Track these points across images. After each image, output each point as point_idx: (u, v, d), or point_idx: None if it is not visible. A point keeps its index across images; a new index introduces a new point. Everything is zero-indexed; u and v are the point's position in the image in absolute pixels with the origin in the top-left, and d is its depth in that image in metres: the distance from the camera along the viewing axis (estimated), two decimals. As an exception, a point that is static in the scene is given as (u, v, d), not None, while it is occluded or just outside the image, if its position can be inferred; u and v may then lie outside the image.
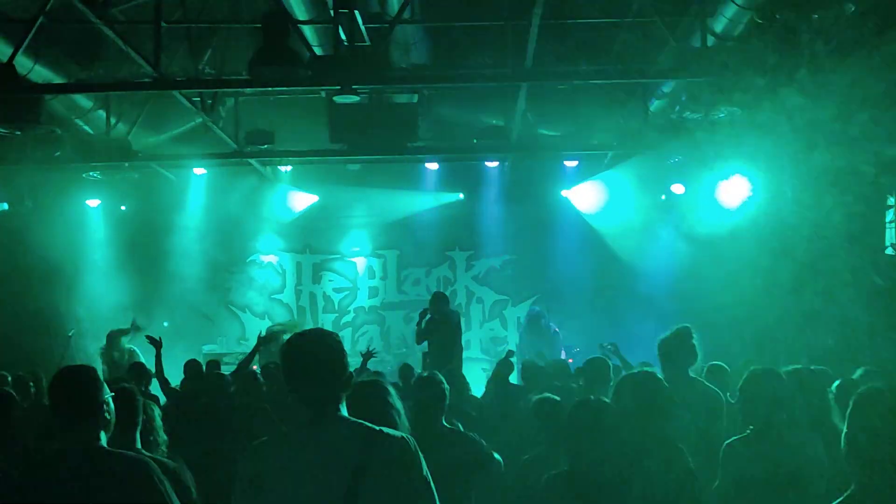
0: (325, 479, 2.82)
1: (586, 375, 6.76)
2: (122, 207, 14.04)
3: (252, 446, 2.95)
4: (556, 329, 13.01)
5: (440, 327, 10.92)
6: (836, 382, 4.82)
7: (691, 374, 5.40)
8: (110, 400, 3.42)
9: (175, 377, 8.70)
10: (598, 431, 3.61)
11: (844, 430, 2.77)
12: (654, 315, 13.35)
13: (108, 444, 3.39)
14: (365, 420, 3.02)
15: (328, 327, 14.77)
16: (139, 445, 4.04)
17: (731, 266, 10.45)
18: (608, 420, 3.68)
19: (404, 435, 3.03)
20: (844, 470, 2.84)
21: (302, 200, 14.36)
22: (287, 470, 2.85)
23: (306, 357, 2.99)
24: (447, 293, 14.79)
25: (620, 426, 3.81)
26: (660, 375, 4.32)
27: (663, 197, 13.75)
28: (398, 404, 3.84)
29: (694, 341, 5.34)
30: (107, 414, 3.37)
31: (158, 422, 4.44)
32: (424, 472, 2.96)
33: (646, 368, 4.46)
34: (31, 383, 7.67)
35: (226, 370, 9.71)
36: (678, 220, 13.67)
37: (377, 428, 2.97)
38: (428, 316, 10.87)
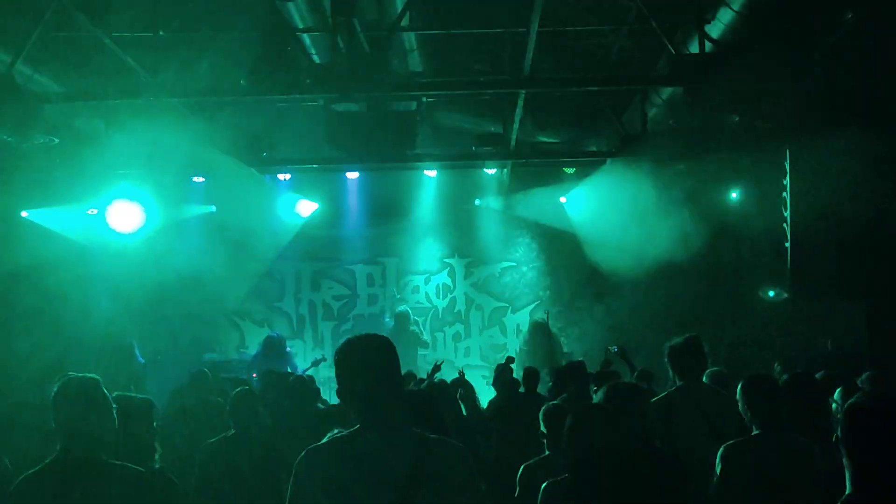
0: (380, 486, 2.79)
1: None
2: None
3: (307, 451, 2.90)
4: (558, 336, 13.05)
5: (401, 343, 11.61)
6: (840, 389, 4.84)
7: (704, 380, 5.50)
8: (115, 412, 3.41)
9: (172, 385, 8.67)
10: (600, 437, 3.57)
11: (840, 434, 2.78)
12: (653, 321, 13.41)
13: (110, 453, 3.39)
14: (430, 428, 2.99)
15: (327, 335, 14.91)
16: (139, 454, 4.03)
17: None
18: (607, 427, 3.65)
19: (458, 443, 3.00)
20: (843, 473, 2.84)
21: (301, 208, 14.36)
22: (342, 476, 2.81)
23: (364, 361, 2.93)
24: (446, 301, 14.87)
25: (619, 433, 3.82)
26: (661, 382, 4.34)
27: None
28: (442, 416, 3.81)
29: (703, 348, 5.42)
30: (110, 426, 3.36)
31: (153, 430, 4.43)
32: (477, 480, 2.93)
33: (643, 378, 4.48)
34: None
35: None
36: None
37: (433, 436, 2.95)
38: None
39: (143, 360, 11.49)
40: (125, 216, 11.84)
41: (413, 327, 13.25)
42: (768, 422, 4.21)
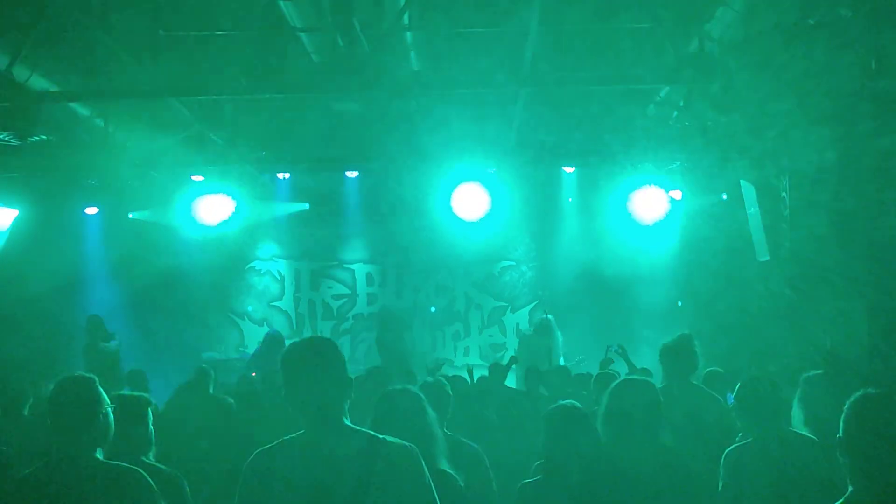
0: (329, 487, 2.81)
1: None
2: (131, 215, 13.96)
3: (256, 453, 2.93)
4: (560, 337, 13.03)
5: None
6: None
7: (692, 380, 5.47)
8: (110, 411, 3.40)
9: (171, 384, 8.69)
10: (572, 438, 3.55)
11: (841, 434, 2.78)
12: (651, 322, 13.42)
13: (109, 453, 3.38)
14: (402, 429, 3.03)
15: (327, 335, 14.88)
16: (136, 453, 4.02)
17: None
18: (583, 427, 3.63)
19: (407, 443, 3.02)
20: (843, 474, 2.84)
21: (299, 208, 14.36)
22: (291, 478, 2.84)
23: (306, 364, 2.97)
24: (446, 300, 14.85)
25: (602, 432, 3.80)
26: (657, 381, 4.33)
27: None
28: (432, 413, 3.81)
29: (695, 348, 5.41)
30: (105, 425, 3.35)
31: (151, 428, 4.42)
32: (428, 480, 2.96)
33: (643, 377, 4.47)
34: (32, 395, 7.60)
35: (224, 377, 9.73)
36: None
37: (381, 436, 2.98)
38: None
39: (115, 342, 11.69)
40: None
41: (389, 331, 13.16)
42: (768, 423, 4.21)
